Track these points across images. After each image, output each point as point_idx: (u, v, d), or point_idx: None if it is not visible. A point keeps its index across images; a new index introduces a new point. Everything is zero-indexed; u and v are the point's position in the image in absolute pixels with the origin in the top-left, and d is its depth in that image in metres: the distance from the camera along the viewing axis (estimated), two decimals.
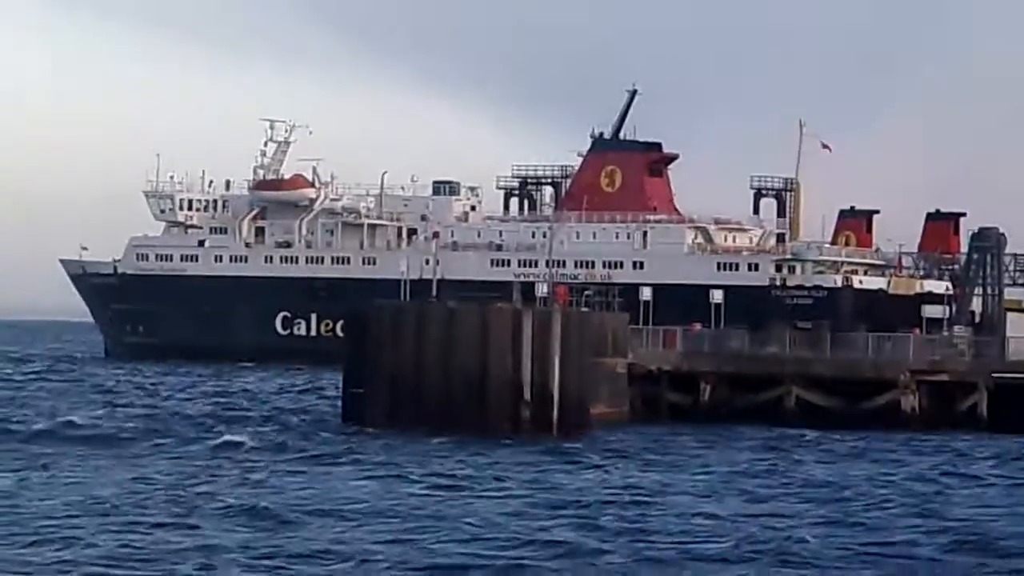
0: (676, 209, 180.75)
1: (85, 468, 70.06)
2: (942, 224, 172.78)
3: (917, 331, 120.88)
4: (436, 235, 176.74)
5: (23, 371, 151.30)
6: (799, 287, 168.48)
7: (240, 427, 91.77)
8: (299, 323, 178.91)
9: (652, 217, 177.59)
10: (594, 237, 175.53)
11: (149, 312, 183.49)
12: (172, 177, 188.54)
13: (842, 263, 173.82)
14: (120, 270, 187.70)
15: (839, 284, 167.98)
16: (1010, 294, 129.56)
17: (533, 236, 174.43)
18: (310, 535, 51.53)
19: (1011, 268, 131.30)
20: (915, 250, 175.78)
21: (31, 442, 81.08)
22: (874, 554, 51.00)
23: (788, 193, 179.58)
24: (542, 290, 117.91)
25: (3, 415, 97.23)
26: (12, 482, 63.95)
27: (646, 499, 62.44)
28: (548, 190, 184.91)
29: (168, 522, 53.52)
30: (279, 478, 66.78)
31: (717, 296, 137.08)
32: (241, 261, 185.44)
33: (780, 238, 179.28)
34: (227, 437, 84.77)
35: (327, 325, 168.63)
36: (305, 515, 55.65)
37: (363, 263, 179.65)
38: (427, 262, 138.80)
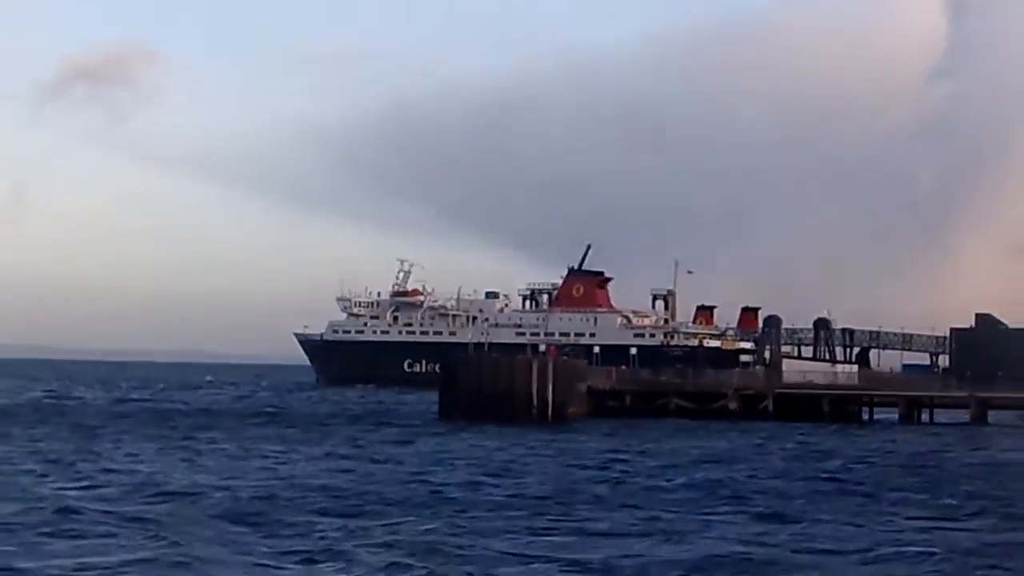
0: (612, 305, 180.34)
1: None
2: (750, 313, 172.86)
3: (737, 369, 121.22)
4: (487, 320, 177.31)
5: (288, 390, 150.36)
6: (676, 346, 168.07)
7: (391, 418, 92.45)
8: (416, 365, 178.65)
9: (599, 310, 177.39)
10: (570, 321, 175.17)
11: (339, 360, 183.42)
12: (350, 290, 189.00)
13: (698, 333, 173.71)
14: (325, 338, 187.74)
15: (697, 344, 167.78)
16: (784, 349, 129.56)
17: (538, 320, 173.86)
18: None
19: (784, 335, 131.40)
20: (736, 326, 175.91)
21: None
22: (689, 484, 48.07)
23: (670, 296, 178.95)
24: (542, 348, 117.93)
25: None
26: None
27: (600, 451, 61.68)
28: (545, 296, 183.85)
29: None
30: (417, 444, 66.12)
31: (633, 351, 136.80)
32: (386, 334, 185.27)
33: (666, 320, 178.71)
34: (384, 422, 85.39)
35: (431, 366, 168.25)
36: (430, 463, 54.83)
37: (448, 335, 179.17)
38: (482, 334, 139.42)
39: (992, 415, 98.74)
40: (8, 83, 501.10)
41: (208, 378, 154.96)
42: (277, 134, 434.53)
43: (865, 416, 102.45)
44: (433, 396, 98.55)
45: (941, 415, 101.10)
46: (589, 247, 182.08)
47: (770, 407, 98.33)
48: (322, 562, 28.67)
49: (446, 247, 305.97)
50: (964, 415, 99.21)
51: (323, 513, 36.43)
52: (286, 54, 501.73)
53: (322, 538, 31.62)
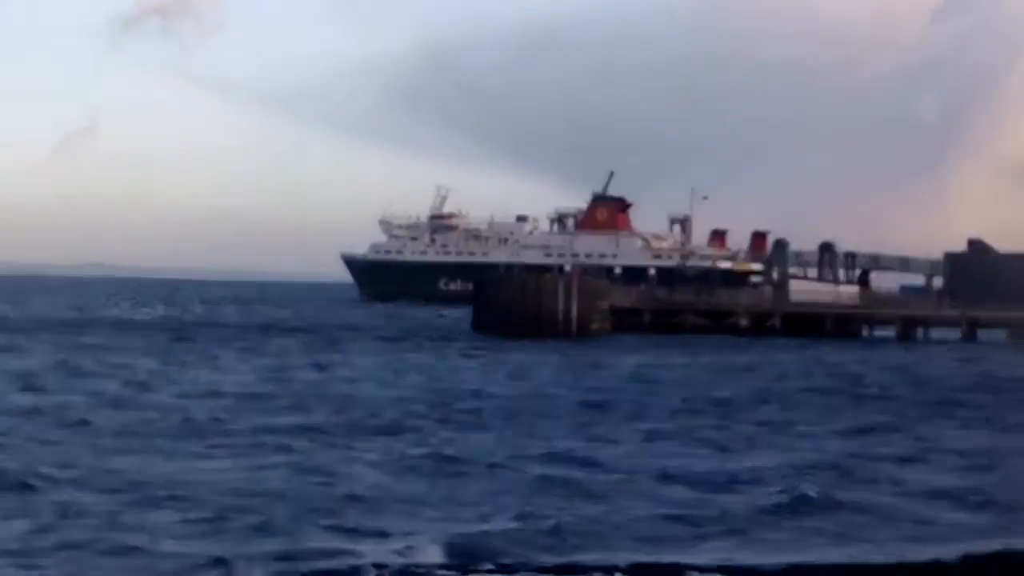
0: (632, 229, 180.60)
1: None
2: (760, 237, 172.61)
3: (748, 288, 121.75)
4: (517, 242, 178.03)
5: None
6: (692, 267, 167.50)
7: (435, 333, 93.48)
8: (455, 283, 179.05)
9: (621, 233, 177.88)
10: (593, 243, 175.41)
11: (381, 279, 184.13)
12: (392, 212, 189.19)
13: (712, 255, 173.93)
14: (368, 258, 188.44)
15: (711, 266, 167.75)
16: (791, 271, 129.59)
17: (564, 243, 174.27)
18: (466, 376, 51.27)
19: (791, 259, 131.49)
20: (746, 249, 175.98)
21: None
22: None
23: (686, 221, 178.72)
24: (567, 269, 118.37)
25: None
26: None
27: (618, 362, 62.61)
28: (571, 220, 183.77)
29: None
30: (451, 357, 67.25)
31: (652, 271, 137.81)
32: (424, 254, 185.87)
33: (682, 244, 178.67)
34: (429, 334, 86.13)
35: (465, 285, 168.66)
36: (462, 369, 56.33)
37: (482, 255, 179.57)
38: (513, 255, 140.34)
39: (981, 333, 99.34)
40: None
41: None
42: (326, 68, 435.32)
43: (865, 333, 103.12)
44: (466, 312, 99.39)
45: (935, 333, 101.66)
46: (612, 174, 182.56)
47: (777, 324, 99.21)
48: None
49: (480, 174, 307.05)
50: (956, 333, 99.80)
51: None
52: None
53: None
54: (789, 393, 49.07)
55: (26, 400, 39.03)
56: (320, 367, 56.68)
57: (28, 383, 44.51)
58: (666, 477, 26.57)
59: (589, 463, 28.36)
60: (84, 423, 33.54)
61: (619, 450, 31.21)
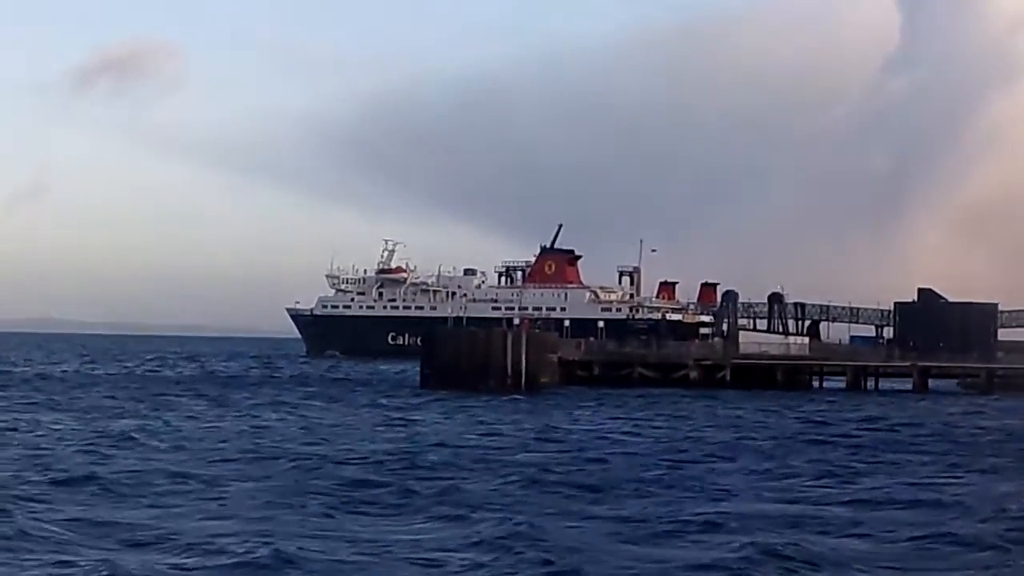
0: (581, 281, 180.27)
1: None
2: (709, 288, 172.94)
3: (697, 340, 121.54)
4: (465, 295, 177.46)
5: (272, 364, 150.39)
6: (641, 319, 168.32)
7: (379, 386, 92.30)
8: (400, 338, 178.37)
9: (569, 286, 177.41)
10: (542, 296, 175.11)
11: (328, 333, 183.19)
12: (338, 267, 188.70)
13: (661, 307, 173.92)
14: (314, 313, 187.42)
15: (660, 318, 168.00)
16: (740, 322, 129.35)
17: (512, 296, 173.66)
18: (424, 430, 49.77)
19: (740, 310, 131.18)
20: (696, 300, 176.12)
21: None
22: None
23: (635, 273, 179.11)
24: (516, 322, 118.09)
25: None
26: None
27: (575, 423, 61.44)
28: (519, 273, 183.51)
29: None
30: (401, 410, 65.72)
31: (601, 324, 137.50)
32: (372, 309, 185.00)
33: (632, 296, 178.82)
34: (374, 391, 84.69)
35: (413, 339, 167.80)
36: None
37: (430, 309, 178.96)
38: (461, 309, 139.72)
39: (932, 383, 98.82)
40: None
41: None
42: (276, 125, 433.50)
43: (816, 384, 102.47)
44: (412, 366, 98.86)
45: (885, 383, 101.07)
46: (560, 227, 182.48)
47: (728, 376, 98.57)
48: None
49: (428, 228, 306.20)
50: (907, 383, 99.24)
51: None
52: (287, 52, 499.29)
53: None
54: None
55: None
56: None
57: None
58: None
59: None
60: None
61: None
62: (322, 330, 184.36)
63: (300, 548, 23.60)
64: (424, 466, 38.29)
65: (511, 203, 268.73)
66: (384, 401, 74.71)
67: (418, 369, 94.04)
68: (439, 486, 33.09)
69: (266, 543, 23.90)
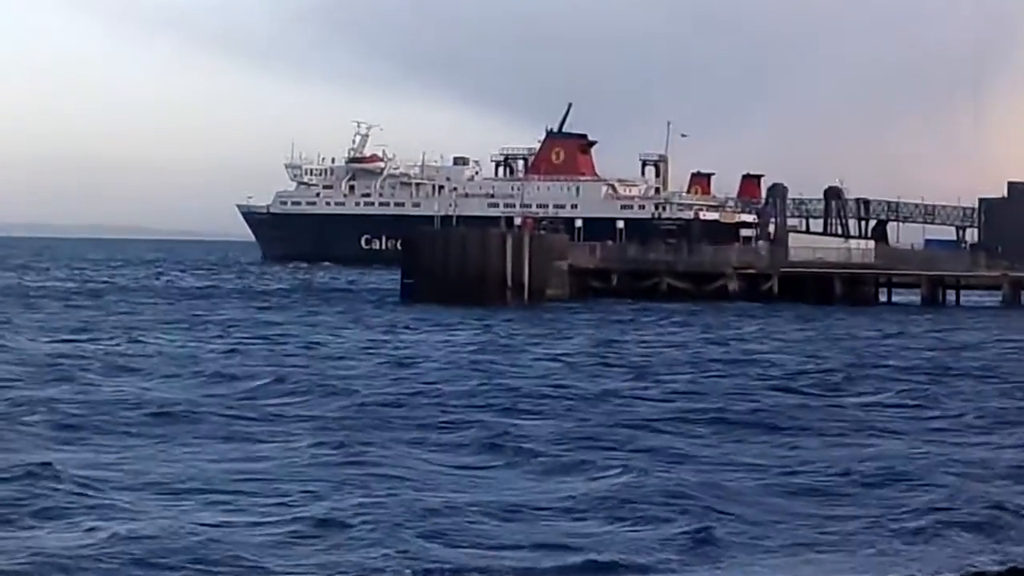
0: (596, 173, 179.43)
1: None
2: (752, 181, 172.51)
3: (737, 244, 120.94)
4: (455, 190, 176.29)
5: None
6: (668, 219, 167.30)
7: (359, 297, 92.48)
8: (375, 241, 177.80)
9: (581, 178, 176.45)
10: (548, 190, 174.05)
11: (288, 235, 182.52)
12: (301, 155, 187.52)
13: (693, 205, 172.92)
14: (271, 211, 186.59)
15: (692, 217, 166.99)
16: (790, 222, 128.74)
17: (512, 190, 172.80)
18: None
19: (791, 207, 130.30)
20: (736, 196, 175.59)
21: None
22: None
23: (661, 163, 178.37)
24: (518, 222, 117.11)
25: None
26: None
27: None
28: (521, 162, 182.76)
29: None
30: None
31: (620, 224, 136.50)
32: (341, 205, 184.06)
33: (657, 190, 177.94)
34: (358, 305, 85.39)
35: (392, 243, 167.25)
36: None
37: (412, 206, 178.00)
38: (450, 206, 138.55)
39: None
40: None
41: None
42: None
43: (883, 298, 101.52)
44: (390, 275, 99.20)
45: (969, 296, 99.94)
46: (570, 106, 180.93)
47: (775, 288, 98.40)
48: None
49: (409, 107, 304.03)
50: (995, 297, 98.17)
51: None
52: None
53: None
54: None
55: None
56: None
57: None
58: None
59: None
60: None
61: None
62: (281, 232, 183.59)
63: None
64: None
65: (510, 77, 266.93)
66: (364, 317, 73.91)
67: (397, 279, 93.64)
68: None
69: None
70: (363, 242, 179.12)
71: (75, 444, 29.61)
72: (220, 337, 58.80)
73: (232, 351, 51.79)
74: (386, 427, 32.54)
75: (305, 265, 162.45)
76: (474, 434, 31.41)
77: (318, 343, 56.65)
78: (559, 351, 54.44)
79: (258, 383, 40.63)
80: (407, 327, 66.91)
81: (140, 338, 56.46)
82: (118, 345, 53.44)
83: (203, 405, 35.67)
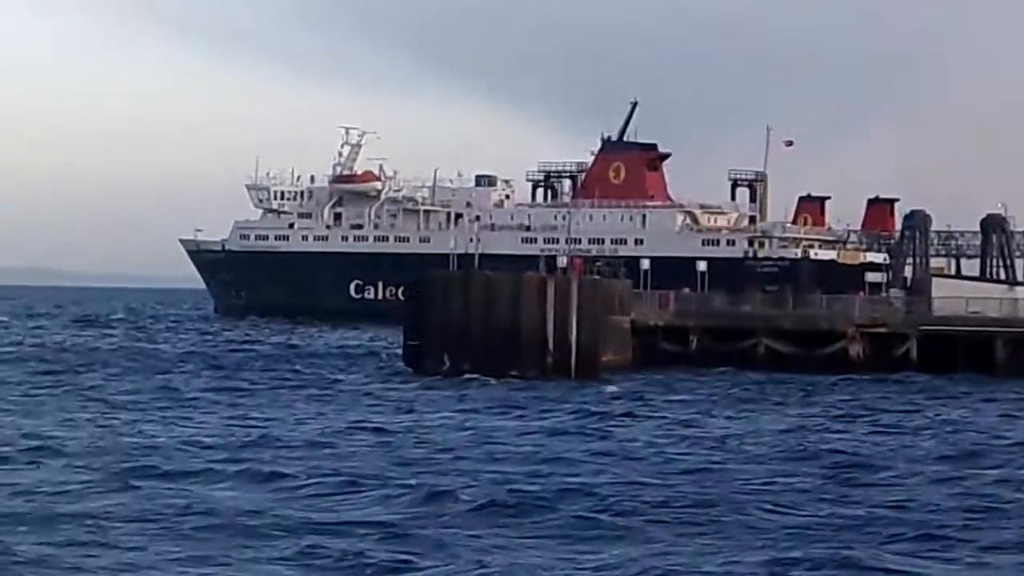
0: (669, 196, 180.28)
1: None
2: (880, 207, 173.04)
3: (861, 293, 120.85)
4: (478, 219, 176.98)
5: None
6: (767, 258, 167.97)
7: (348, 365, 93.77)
8: (368, 289, 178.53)
9: (649, 203, 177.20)
10: (604, 219, 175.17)
11: (249, 280, 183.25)
12: (268, 174, 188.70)
13: (801, 239, 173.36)
14: (228, 247, 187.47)
15: (799, 256, 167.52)
16: (934, 263, 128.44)
17: (555, 219, 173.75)
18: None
19: (935, 242, 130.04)
20: (859, 228, 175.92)
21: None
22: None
23: (758, 183, 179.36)
24: (562, 262, 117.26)
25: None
26: None
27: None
28: (567, 182, 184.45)
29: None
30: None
31: (702, 266, 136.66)
32: (323, 240, 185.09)
33: (752, 219, 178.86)
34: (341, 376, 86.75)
35: (391, 291, 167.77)
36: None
37: (419, 241, 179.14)
38: (471, 240, 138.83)
39: None
40: None
41: None
42: None
43: None
44: (390, 335, 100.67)
45: None
46: (635, 106, 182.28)
47: (913, 352, 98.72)
48: None
49: (415, 107, 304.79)
50: None
51: None
52: None
53: None
54: None
55: None
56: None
57: None
58: None
59: None
60: None
61: None
62: (240, 276, 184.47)
63: None
64: None
65: (553, 70, 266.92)
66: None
67: (398, 340, 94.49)
68: None
69: None
70: (352, 289, 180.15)
71: None
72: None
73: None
74: None
75: (265, 320, 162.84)
76: None
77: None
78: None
79: None
80: (411, 409, 66.81)
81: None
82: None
83: None
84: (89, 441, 51.82)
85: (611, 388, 79.29)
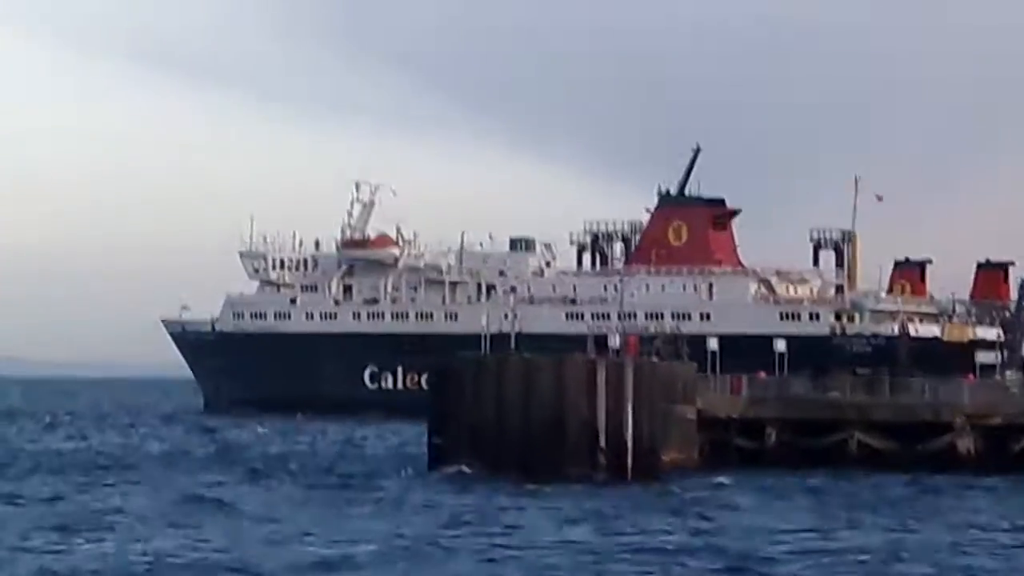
0: (740, 261, 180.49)
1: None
2: (992, 273, 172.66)
3: (971, 376, 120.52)
4: (513, 290, 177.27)
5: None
6: (858, 335, 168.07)
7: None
8: (386, 376, 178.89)
9: (717, 269, 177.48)
10: (663, 289, 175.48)
11: (244, 367, 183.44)
12: (264, 238, 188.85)
13: (899, 312, 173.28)
14: (218, 328, 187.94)
15: (896, 332, 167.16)
16: None
17: (605, 289, 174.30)
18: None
19: None
20: (967, 298, 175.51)
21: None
22: None
23: (846, 244, 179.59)
24: (615, 341, 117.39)
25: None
26: None
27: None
28: (618, 245, 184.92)
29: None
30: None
31: (780, 345, 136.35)
32: (331, 318, 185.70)
33: (839, 288, 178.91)
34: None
35: (412, 378, 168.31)
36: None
37: (445, 318, 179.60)
38: (505, 316, 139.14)
39: None
40: None
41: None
42: None
43: None
44: (412, 430, 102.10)
45: None
46: (698, 152, 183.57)
47: None
48: None
49: (439, 159, 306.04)
50: None
51: None
52: None
53: None
54: None
55: None
56: None
57: None
58: None
59: None
60: None
61: None
62: (234, 361, 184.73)
63: None
64: None
65: (602, 116, 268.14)
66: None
67: (422, 437, 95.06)
68: None
69: None
70: (367, 377, 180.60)
71: None
72: None
73: None
74: None
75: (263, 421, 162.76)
76: None
77: None
78: None
79: None
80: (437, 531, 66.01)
81: None
82: None
83: None
84: None
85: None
